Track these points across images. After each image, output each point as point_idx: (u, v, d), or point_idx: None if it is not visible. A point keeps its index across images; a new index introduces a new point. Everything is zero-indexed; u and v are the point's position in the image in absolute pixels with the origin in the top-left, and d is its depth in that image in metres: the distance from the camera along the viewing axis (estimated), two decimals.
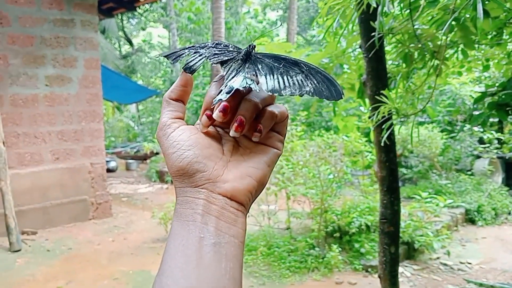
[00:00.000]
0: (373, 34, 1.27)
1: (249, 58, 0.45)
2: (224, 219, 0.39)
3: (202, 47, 0.48)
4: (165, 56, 0.50)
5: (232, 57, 0.46)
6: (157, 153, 9.41)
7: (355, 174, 6.10)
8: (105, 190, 5.39)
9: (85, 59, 5.10)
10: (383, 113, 1.19)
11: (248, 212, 0.43)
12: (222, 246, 0.37)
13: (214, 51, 0.48)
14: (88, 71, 5.13)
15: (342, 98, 0.40)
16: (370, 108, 1.42)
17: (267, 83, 0.41)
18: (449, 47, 1.83)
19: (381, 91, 1.31)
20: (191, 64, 0.46)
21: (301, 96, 0.41)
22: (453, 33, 1.59)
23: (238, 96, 0.41)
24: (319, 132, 6.05)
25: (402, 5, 1.23)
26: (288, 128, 5.02)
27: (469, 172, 6.52)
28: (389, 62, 2.15)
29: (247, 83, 0.41)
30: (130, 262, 3.93)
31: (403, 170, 6.69)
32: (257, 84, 0.41)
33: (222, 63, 0.46)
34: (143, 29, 19.84)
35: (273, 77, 0.42)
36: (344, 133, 5.10)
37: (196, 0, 13.65)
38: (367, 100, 2.77)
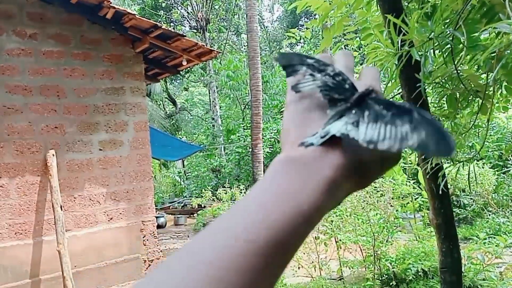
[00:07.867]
0: (418, 84, 1.31)
1: (360, 103, 0.40)
2: None
3: (320, 71, 0.44)
4: (277, 60, 0.47)
5: (343, 97, 0.42)
6: (204, 207, 9.52)
7: (406, 218, 5.92)
8: (157, 246, 5.49)
9: (134, 123, 5.40)
10: (437, 161, 1.21)
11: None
12: None
13: (329, 81, 0.43)
14: (138, 133, 5.41)
15: (451, 153, 0.34)
16: (422, 157, 1.44)
17: (365, 132, 0.36)
18: (491, 86, 1.84)
19: None
20: (301, 86, 0.43)
21: (399, 150, 0.35)
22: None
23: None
24: None
25: (443, 50, 1.28)
26: None
27: None
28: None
29: (346, 130, 0.37)
30: None
31: (456, 210, 6.43)
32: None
33: (331, 99, 0.42)
34: (186, 89, 20.76)
35: (375, 126, 0.36)
36: (390, 176, 5.02)
37: (233, 59, 14.25)
38: None
